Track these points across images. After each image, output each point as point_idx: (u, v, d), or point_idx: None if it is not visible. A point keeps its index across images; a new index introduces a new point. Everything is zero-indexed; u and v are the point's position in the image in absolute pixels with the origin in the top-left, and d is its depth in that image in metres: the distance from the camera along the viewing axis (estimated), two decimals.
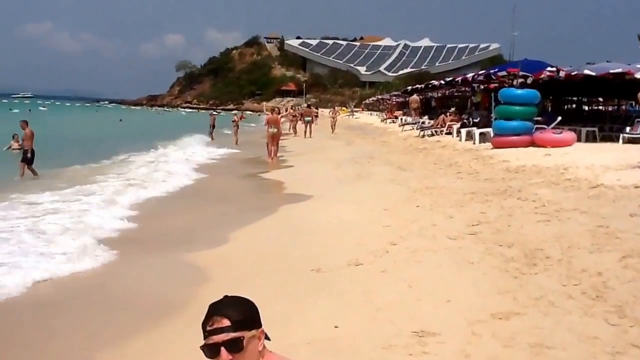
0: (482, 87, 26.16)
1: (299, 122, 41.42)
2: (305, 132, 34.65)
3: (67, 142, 28.71)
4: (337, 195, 12.11)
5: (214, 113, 39.29)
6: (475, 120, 22.93)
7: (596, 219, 7.48)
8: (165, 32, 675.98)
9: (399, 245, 7.37)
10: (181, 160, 21.82)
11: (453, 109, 26.37)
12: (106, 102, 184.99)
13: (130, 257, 8.14)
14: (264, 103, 59.40)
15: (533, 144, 16.06)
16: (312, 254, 7.38)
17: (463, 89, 30.93)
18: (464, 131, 20.96)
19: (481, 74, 21.32)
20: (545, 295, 5.25)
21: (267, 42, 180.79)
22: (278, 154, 22.57)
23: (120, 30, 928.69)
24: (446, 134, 23.84)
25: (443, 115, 25.44)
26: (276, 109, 23.86)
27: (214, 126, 36.28)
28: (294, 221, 9.93)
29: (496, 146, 16.83)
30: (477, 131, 19.51)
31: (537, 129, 16.77)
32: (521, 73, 18.22)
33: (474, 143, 19.24)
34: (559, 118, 18.06)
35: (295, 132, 37.66)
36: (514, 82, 19.43)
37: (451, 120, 24.29)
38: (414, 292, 5.66)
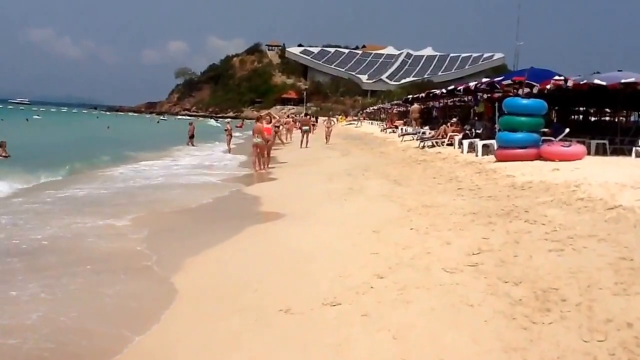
0: (485, 96, 25.24)
1: (295, 131, 40.61)
2: (302, 141, 33.56)
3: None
4: (322, 213, 10.98)
5: (193, 122, 37.96)
6: (478, 131, 21.96)
7: (618, 249, 6.44)
8: (168, 39, 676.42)
9: (386, 279, 6.30)
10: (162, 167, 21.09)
11: (455, 119, 25.31)
12: (103, 109, 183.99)
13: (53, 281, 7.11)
14: (262, 111, 58.45)
15: (540, 157, 15.04)
16: (282, 289, 6.33)
17: (466, 98, 29.99)
18: (466, 143, 19.94)
19: (484, 83, 20.32)
20: (564, 356, 4.19)
21: (269, 50, 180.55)
22: (270, 165, 21.60)
23: (122, 36, 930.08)
24: (447, 145, 22.82)
25: (444, 125, 24.42)
26: (267, 117, 22.61)
27: (192, 136, 35.34)
28: (265, 245, 8.80)
29: (500, 159, 15.81)
30: (479, 143, 18.48)
31: (543, 141, 15.75)
32: (527, 82, 17.22)
33: (477, 155, 18.22)
34: (567, 129, 17.03)
35: (282, 141, 36.47)
36: (519, 92, 18.46)
37: (453, 131, 23.28)
38: (398, 347, 4.59)
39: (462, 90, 23.43)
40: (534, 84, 17.48)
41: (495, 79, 19.69)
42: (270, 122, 22.40)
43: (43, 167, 18.80)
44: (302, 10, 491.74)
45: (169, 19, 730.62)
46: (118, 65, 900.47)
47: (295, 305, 5.73)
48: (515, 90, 18.59)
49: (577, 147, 14.91)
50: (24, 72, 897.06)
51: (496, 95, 24.32)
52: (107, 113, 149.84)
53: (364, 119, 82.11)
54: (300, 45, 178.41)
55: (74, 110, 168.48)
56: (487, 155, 17.91)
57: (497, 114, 18.32)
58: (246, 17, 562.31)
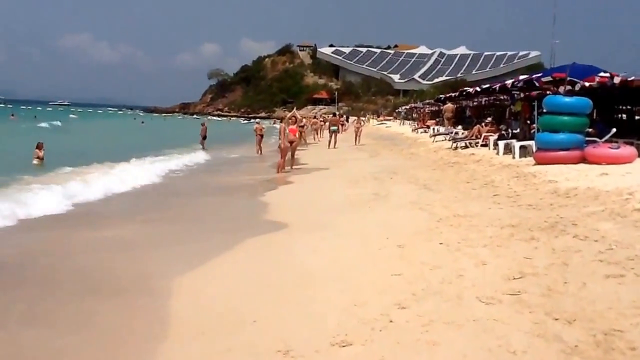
0: (522, 94, 23.90)
1: (325, 131, 39.60)
2: (330, 142, 32.55)
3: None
4: (340, 223, 9.84)
5: (205, 123, 36.60)
6: (514, 131, 20.70)
7: None
8: (201, 41, 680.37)
9: (409, 311, 5.23)
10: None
11: (489, 118, 24.03)
12: (139, 110, 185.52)
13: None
14: (294, 111, 57.82)
15: (584, 160, 13.78)
16: (283, 322, 5.28)
17: (501, 97, 28.62)
18: (501, 144, 18.68)
19: (522, 80, 18.98)
20: None
21: (300, 50, 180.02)
22: (293, 167, 20.67)
23: (156, 40, 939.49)
24: (481, 146, 21.58)
25: (478, 125, 23.14)
26: (292, 117, 21.63)
27: (204, 137, 34.20)
28: (266, 263, 7.69)
29: (539, 162, 14.58)
30: (516, 144, 17.23)
31: (588, 142, 14.48)
32: (569, 79, 15.91)
33: (514, 157, 16.99)
34: (613, 130, 15.68)
35: (305, 141, 35.45)
36: (559, 89, 17.16)
37: (487, 131, 22.03)
38: None
39: (497, 88, 22.12)
40: (577, 80, 16.15)
41: (534, 76, 18.39)
42: (295, 122, 21.40)
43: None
44: (333, 11, 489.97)
45: (203, 23, 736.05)
46: (153, 68, 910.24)
47: (297, 345, 4.68)
48: (555, 88, 17.30)
49: (627, 149, 13.58)
50: (63, 76, 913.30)
51: (534, 93, 23.04)
52: (142, 114, 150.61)
53: (395, 118, 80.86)
54: (331, 46, 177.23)
55: (109, 111, 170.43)
56: (525, 157, 16.67)
57: (535, 113, 17.11)
58: (278, 19, 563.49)
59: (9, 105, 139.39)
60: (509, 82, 20.66)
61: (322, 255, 7.64)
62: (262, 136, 32.74)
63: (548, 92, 17.35)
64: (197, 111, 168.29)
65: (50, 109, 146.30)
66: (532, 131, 19.05)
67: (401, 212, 10.26)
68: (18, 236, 9.75)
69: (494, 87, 23.03)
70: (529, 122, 20.07)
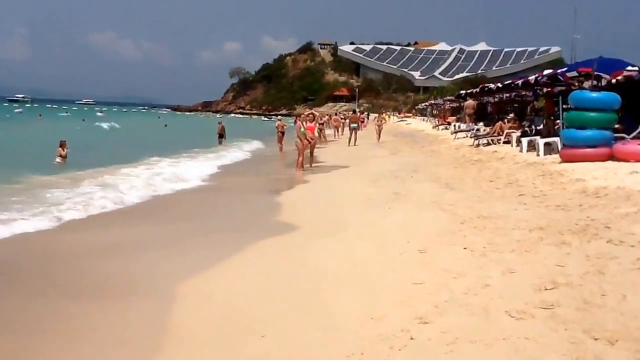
0: (545, 90, 23.18)
1: (345, 128, 39.09)
2: (350, 139, 32.01)
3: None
4: (358, 224, 9.33)
5: (222, 122, 35.95)
6: (537, 127, 20.06)
7: None
8: (224, 40, 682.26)
9: (432, 326, 4.73)
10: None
11: (512, 115, 23.34)
12: (162, 109, 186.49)
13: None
14: (305, 110, 57.43)
15: (612, 157, 13.15)
16: (293, 336, 4.82)
17: (523, 93, 27.86)
18: (525, 140, 18.03)
19: (546, 75, 18.28)
20: None
21: (321, 48, 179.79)
22: (312, 165, 20.18)
23: (180, 39, 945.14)
24: (504, 143, 20.94)
25: (500, 122, 22.47)
26: (309, 114, 21.11)
27: (221, 135, 33.65)
28: (277, 267, 7.20)
29: (565, 159, 13.97)
30: (541, 141, 16.58)
31: (616, 139, 13.82)
32: (596, 73, 15.22)
33: (538, 155, 16.36)
34: None
35: (325, 139, 35.00)
36: (584, 84, 16.49)
37: (510, 128, 21.36)
38: None
39: (520, 83, 21.42)
40: (604, 75, 15.48)
41: (559, 71, 17.70)
42: (314, 120, 20.89)
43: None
44: (353, 9, 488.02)
45: (225, 21, 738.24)
46: (176, 67, 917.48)
47: None
48: (580, 83, 16.64)
49: None
50: (88, 74, 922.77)
51: (557, 88, 22.31)
52: (165, 112, 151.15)
53: (414, 115, 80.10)
54: (352, 43, 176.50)
55: (133, 110, 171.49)
56: (550, 154, 16.05)
57: (560, 109, 16.45)
58: (299, 18, 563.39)
59: (34, 105, 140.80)
60: (532, 77, 19.98)
61: (338, 260, 7.16)
62: (283, 133, 32.24)
63: (572, 87, 16.70)
64: (219, 109, 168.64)
65: (75, 107, 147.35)
66: (556, 127, 18.44)
67: (422, 213, 9.72)
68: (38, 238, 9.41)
69: (516, 82, 22.31)
70: (552, 118, 19.43)
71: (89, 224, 10.62)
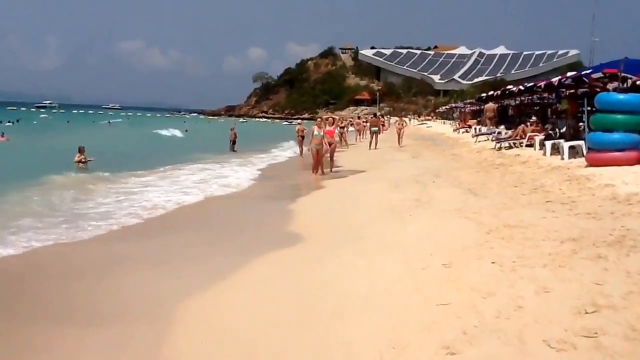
0: (567, 92, 22.38)
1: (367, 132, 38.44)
2: (370, 143, 31.37)
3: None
4: (376, 234, 8.67)
5: (234, 128, 35.16)
6: (560, 130, 19.31)
7: None
8: (248, 46, 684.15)
9: (460, 357, 4.15)
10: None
11: (534, 118, 22.54)
12: (185, 113, 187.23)
13: None
14: (324, 114, 56.94)
15: None
16: None
17: (544, 95, 27.02)
18: (548, 144, 17.28)
19: (570, 77, 17.51)
20: None
21: (342, 53, 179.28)
22: (332, 169, 19.54)
23: (205, 45, 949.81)
24: (526, 146, 20.18)
25: (523, 125, 21.69)
26: (329, 118, 20.45)
27: (234, 141, 33.15)
28: (290, 283, 6.55)
29: (592, 164, 13.25)
30: (565, 144, 15.84)
31: None
32: (622, 74, 14.45)
33: (562, 158, 15.63)
34: None
35: (346, 143, 34.19)
36: (608, 86, 15.73)
37: (532, 131, 20.59)
38: None
39: (543, 86, 20.64)
40: (630, 76, 14.72)
41: (583, 72, 16.92)
42: (334, 124, 20.22)
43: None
44: (374, 14, 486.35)
45: (249, 28, 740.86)
46: (201, 72, 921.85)
47: None
48: (604, 85, 15.87)
49: None
50: (117, 81, 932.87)
51: (580, 90, 21.49)
52: (188, 116, 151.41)
53: (434, 118, 79.19)
54: (372, 48, 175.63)
55: (157, 115, 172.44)
56: (574, 158, 15.32)
57: (585, 111, 15.71)
58: (321, 23, 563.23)
59: (61, 111, 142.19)
60: (555, 79, 19.18)
61: (356, 276, 6.51)
62: (303, 137, 31.86)
63: (596, 89, 15.94)
64: (242, 113, 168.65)
65: (101, 112, 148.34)
66: (579, 130, 17.70)
67: (446, 222, 9.10)
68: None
69: (538, 84, 21.54)
70: (574, 120, 18.67)
71: (91, 241, 10.16)
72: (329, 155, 19.45)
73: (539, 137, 19.30)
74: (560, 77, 18.80)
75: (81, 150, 21.96)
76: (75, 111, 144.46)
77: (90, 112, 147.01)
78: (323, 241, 8.82)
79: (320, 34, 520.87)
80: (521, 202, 10.37)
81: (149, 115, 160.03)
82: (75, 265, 8.05)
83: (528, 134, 20.47)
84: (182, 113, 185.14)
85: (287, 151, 33.32)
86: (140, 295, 6.46)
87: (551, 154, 16.93)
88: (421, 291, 5.70)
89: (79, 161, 21.53)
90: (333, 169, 19.62)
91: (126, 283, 7.00)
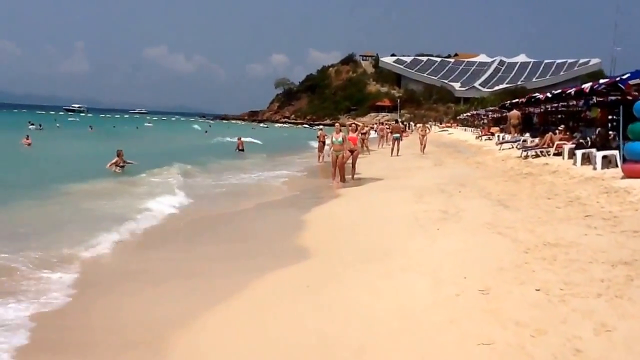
0: (596, 99, 21.30)
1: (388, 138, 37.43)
2: (392, 149, 30.36)
3: None
4: (402, 252, 7.71)
5: (241, 137, 34.31)
6: (589, 139, 18.31)
7: None
8: (271, 52, 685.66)
9: None
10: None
11: (562, 126, 21.50)
12: (210, 118, 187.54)
13: None
14: (347, 120, 56.06)
15: None
16: None
17: (570, 102, 25.92)
18: (579, 153, 16.26)
19: (604, 83, 16.43)
20: None
21: (363, 60, 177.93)
22: (354, 177, 18.60)
23: (229, 52, 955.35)
24: (554, 155, 19.16)
25: (550, 133, 20.65)
26: (352, 124, 19.44)
27: (241, 150, 32.20)
28: (298, 309, 5.67)
29: (629, 175, 12.27)
30: (598, 154, 14.84)
31: None
32: None
33: (595, 169, 14.63)
34: None
35: (368, 149, 32.96)
36: None
37: (560, 139, 19.57)
38: None
39: (573, 92, 19.57)
40: None
41: (618, 78, 15.86)
42: (356, 130, 19.26)
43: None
44: (394, 21, 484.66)
45: (272, 34, 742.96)
46: (225, 78, 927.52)
47: None
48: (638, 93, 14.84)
49: None
50: (144, 86, 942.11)
51: (609, 98, 20.42)
52: (212, 121, 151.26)
53: (456, 125, 77.90)
54: (393, 55, 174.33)
55: (182, 119, 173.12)
56: (607, 168, 14.33)
57: (621, 120, 14.68)
58: (343, 30, 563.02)
59: (88, 114, 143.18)
60: (586, 85, 18.13)
61: (377, 303, 5.59)
62: (324, 143, 31.03)
63: (629, 97, 14.93)
64: (264, 118, 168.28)
65: (127, 116, 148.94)
66: (610, 139, 16.70)
67: (477, 238, 8.21)
68: None
69: (567, 92, 20.46)
70: (605, 129, 17.63)
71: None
72: (350, 162, 18.55)
73: (568, 145, 18.29)
74: (592, 83, 17.75)
75: (120, 154, 21.02)
76: (103, 115, 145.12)
77: (116, 115, 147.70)
78: (340, 257, 7.87)
79: (341, 41, 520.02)
80: (557, 216, 9.44)
81: (174, 119, 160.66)
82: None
83: (556, 142, 19.44)
84: (206, 118, 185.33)
85: (306, 157, 32.44)
86: (130, 322, 5.65)
87: (582, 164, 15.93)
88: (457, 324, 4.83)
89: (116, 164, 20.55)
90: (355, 177, 18.66)
91: (125, 304, 6.24)
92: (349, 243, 8.91)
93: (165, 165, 20.98)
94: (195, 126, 53.05)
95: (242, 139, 34.38)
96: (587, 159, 16.07)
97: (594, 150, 15.77)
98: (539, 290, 5.50)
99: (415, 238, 8.64)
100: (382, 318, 5.15)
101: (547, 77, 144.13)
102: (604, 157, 14.75)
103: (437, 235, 8.67)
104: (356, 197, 14.57)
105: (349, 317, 5.28)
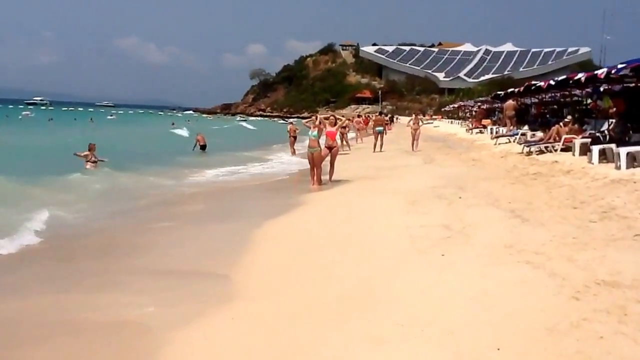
0: (604, 87, 19.58)
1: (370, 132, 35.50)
2: (375, 144, 28.28)
3: None
4: (397, 291, 5.57)
5: (201, 132, 32.72)
6: (602, 132, 16.58)
7: None
8: (247, 42, 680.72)
9: None
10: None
11: (569, 117, 19.68)
12: (178, 111, 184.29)
13: None
14: (328, 112, 54.26)
15: None
16: None
17: (573, 92, 24.19)
18: (596, 149, 14.39)
19: (623, 67, 14.50)
20: None
21: (342, 49, 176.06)
22: (332, 178, 16.45)
23: (203, 42, 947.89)
24: (561, 150, 17.33)
25: (557, 126, 18.80)
26: (330, 118, 17.25)
27: (203, 146, 30.52)
28: None
29: None
30: (622, 150, 12.98)
31: None
32: None
33: (617, 168, 12.79)
34: None
35: (348, 145, 30.78)
36: None
37: (568, 133, 17.74)
38: None
39: (583, 79, 17.68)
40: None
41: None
42: (335, 124, 17.12)
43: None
44: (375, 10, 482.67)
45: (249, 23, 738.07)
46: (199, 69, 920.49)
47: None
48: None
49: None
50: (111, 78, 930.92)
51: (617, 86, 18.71)
52: (179, 115, 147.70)
53: (441, 117, 76.37)
54: (374, 45, 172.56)
55: (150, 112, 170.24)
56: (632, 167, 12.50)
57: None
58: (323, 19, 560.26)
59: (50, 107, 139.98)
60: (601, 71, 16.22)
61: None
62: (295, 137, 29.62)
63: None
64: (238, 111, 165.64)
65: (92, 109, 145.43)
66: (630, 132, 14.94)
67: (499, 270, 6.21)
68: None
69: (576, 78, 18.58)
70: (622, 121, 15.85)
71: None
72: (329, 160, 16.44)
73: (579, 139, 16.45)
74: (609, 67, 15.87)
75: (91, 148, 19.68)
76: (65, 108, 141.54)
77: (80, 108, 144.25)
78: (285, 306, 5.61)
79: (322, 31, 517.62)
80: (597, 234, 7.48)
81: (141, 112, 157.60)
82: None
83: (563, 137, 17.60)
84: (175, 111, 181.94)
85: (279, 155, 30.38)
86: None
87: (599, 162, 14.09)
88: None
89: (87, 159, 19.36)
90: (334, 179, 16.51)
91: None
92: (307, 279, 6.58)
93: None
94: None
95: (202, 134, 32.40)
96: (603, 156, 14.26)
97: (613, 145, 13.94)
98: None
99: (412, 270, 6.59)
100: None
101: (535, 66, 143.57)
102: (629, 154, 12.91)
103: (443, 265, 6.64)
104: (330, 204, 12.35)
105: None
